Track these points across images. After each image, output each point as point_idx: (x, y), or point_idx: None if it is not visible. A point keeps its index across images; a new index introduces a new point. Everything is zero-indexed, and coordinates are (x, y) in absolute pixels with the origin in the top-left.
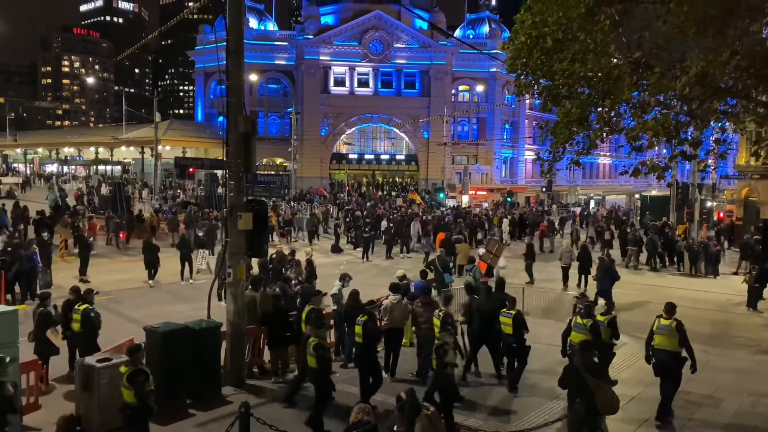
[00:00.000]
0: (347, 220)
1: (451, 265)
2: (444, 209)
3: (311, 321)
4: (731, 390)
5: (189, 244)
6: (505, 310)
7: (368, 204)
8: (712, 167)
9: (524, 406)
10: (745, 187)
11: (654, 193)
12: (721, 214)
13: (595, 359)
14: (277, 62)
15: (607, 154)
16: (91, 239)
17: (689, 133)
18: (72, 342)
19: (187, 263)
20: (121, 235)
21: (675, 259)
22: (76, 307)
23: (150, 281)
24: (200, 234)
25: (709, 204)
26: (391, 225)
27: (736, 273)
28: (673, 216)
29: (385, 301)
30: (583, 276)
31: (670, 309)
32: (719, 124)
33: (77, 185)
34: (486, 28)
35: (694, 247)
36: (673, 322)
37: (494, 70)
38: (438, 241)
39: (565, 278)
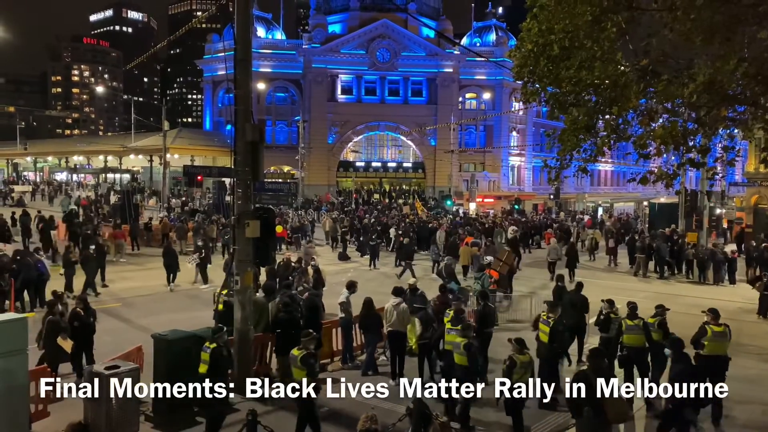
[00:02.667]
0: (354, 226)
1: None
2: (452, 216)
3: (458, 323)
4: (741, 399)
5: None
6: (544, 316)
7: (375, 212)
8: (721, 174)
9: (531, 415)
10: (754, 194)
11: (662, 200)
12: (727, 222)
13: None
14: (284, 71)
15: (615, 161)
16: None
17: (697, 141)
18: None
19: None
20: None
21: (684, 266)
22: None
23: (170, 285)
24: (200, 243)
25: (718, 211)
26: (400, 233)
27: (747, 281)
28: (681, 223)
29: (387, 305)
30: (569, 270)
31: (718, 314)
32: (727, 132)
33: (85, 193)
34: (493, 36)
35: (700, 255)
36: (726, 327)
37: (501, 77)
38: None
39: (552, 271)
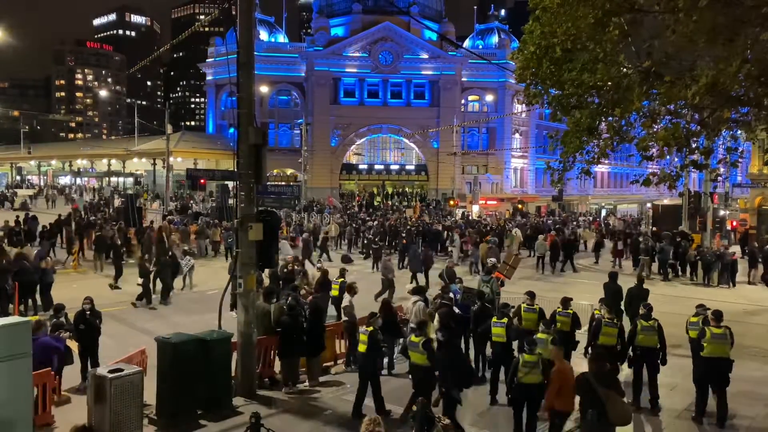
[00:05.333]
0: (357, 228)
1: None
2: (455, 219)
3: (502, 317)
4: (746, 400)
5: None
6: (560, 309)
7: (377, 214)
8: (725, 176)
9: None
10: (758, 195)
11: (666, 202)
12: (734, 223)
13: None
14: (287, 74)
15: (619, 163)
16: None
17: (700, 143)
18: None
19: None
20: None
21: (687, 268)
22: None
23: (174, 289)
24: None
25: (721, 213)
26: (403, 235)
27: (748, 282)
28: (685, 225)
29: (408, 304)
30: (551, 263)
31: (720, 316)
32: (730, 133)
33: (84, 196)
34: (495, 39)
35: (708, 257)
36: (726, 329)
37: (504, 80)
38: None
39: (539, 265)
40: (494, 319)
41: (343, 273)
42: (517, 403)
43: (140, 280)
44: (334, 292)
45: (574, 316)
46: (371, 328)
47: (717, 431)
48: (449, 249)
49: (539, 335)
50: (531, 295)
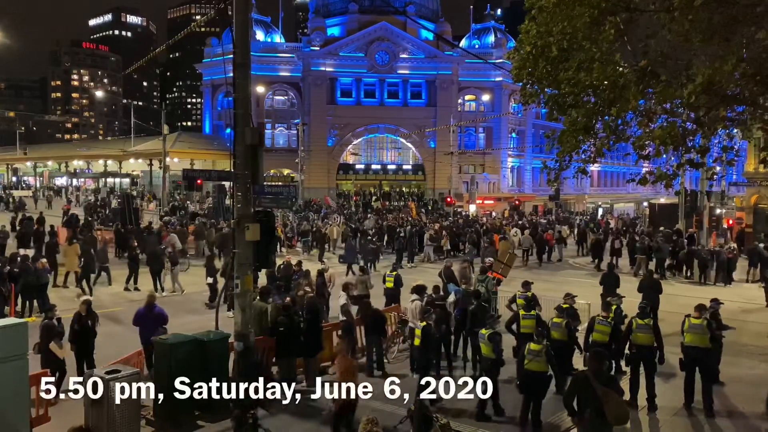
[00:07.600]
0: (354, 228)
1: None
2: (453, 218)
3: (530, 309)
4: (743, 399)
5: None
6: (600, 318)
7: (372, 215)
8: (722, 174)
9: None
10: (754, 194)
11: (662, 200)
12: (730, 221)
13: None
14: (284, 74)
15: (615, 162)
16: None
17: (696, 141)
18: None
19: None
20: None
21: (683, 267)
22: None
23: (163, 293)
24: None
25: (718, 211)
26: (401, 234)
27: (747, 281)
28: (682, 224)
29: (409, 305)
30: (539, 255)
31: (701, 308)
32: (726, 132)
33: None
34: (492, 38)
35: (704, 255)
36: (704, 320)
37: (500, 79)
38: (496, 243)
39: (526, 258)
40: (522, 312)
41: (396, 267)
42: (523, 389)
43: (209, 280)
44: (389, 284)
45: (569, 310)
46: (425, 323)
47: (712, 429)
48: (425, 248)
49: (555, 319)
50: (525, 285)
